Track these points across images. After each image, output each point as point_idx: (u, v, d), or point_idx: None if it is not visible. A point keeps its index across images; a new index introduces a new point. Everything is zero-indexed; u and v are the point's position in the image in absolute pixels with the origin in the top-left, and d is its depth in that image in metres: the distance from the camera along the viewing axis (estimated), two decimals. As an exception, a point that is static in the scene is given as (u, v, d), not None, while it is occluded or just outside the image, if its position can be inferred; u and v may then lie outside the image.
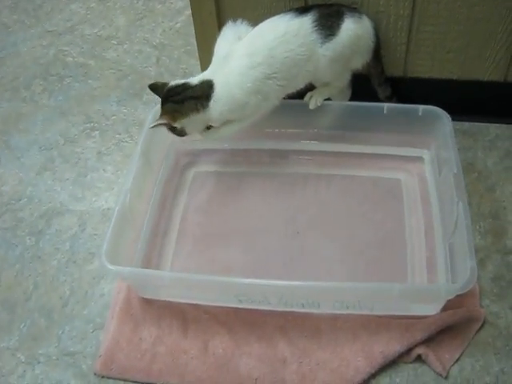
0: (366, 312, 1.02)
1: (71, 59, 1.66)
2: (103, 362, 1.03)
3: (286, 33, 1.10)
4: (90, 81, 1.59)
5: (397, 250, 1.09)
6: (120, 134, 1.41)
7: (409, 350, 1.00)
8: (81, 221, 1.23)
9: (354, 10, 1.17)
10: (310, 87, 1.21)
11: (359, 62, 1.21)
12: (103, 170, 1.34)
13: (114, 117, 1.47)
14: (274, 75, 1.11)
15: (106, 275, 1.12)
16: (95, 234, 1.22)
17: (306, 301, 1.01)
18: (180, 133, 1.15)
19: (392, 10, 1.21)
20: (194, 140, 1.22)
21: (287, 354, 1.01)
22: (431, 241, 1.11)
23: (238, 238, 1.14)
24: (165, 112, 1.12)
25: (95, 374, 1.03)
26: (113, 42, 1.70)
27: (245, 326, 1.04)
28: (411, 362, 1.01)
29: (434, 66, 1.31)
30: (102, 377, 1.03)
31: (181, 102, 1.11)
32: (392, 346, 1.00)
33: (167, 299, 1.07)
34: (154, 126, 1.11)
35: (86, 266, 1.17)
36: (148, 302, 1.08)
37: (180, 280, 1.01)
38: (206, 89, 1.11)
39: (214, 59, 1.16)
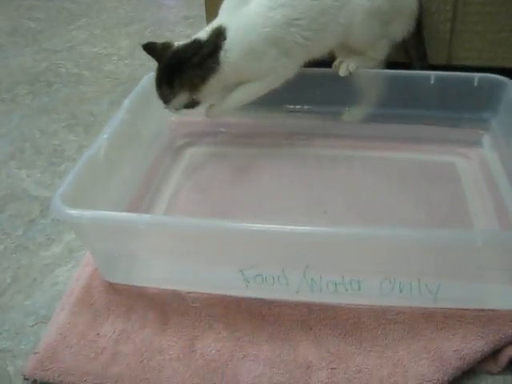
0: (427, 297, 0.76)
1: (64, 70, 1.56)
2: (39, 361, 0.75)
3: None
4: (81, 86, 1.48)
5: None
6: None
7: (496, 352, 0.71)
8: (43, 206, 1.06)
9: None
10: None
11: (399, 30, 1.09)
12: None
13: (102, 115, 1.33)
14: (298, 22, 0.98)
15: (60, 231, 0.95)
16: (59, 221, 0.99)
17: (340, 278, 0.76)
18: (192, 105, 1.01)
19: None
20: (194, 118, 1.11)
21: (312, 357, 0.73)
22: (505, 221, 0.89)
23: (246, 218, 0.93)
24: (185, 82, 0.97)
25: (25, 378, 0.73)
26: (113, 58, 1.63)
27: (250, 319, 0.78)
28: (501, 373, 0.70)
29: (483, 51, 1.16)
30: (34, 381, 0.71)
31: (198, 65, 0.97)
32: (471, 342, 0.70)
33: (143, 285, 0.85)
34: (173, 106, 0.98)
35: (40, 252, 0.97)
36: (116, 290, 0.85)
37: (163, 226, 0.77)
38: (217, 38, 0.98)
39: (225, 4, 1.02)
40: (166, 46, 0.99)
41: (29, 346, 0.78)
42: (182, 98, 0.97)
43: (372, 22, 1.03)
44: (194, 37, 0.99)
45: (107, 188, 0.90)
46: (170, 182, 1.05)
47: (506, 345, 0.71)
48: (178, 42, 0.99)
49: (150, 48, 1.00)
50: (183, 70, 0.96)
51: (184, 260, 0.82)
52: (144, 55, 1.40)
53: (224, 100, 1.03)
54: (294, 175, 1.05)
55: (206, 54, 0.97)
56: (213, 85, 0.98)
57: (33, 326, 0.81)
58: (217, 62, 0.96)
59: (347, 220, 0.93)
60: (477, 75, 1.03)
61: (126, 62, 1.59)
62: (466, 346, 0.71)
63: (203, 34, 0.99)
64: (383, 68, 1.12)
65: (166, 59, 0.97)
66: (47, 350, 0.76)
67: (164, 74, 0.97)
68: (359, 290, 0.76)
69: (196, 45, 0.97)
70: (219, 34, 0.97)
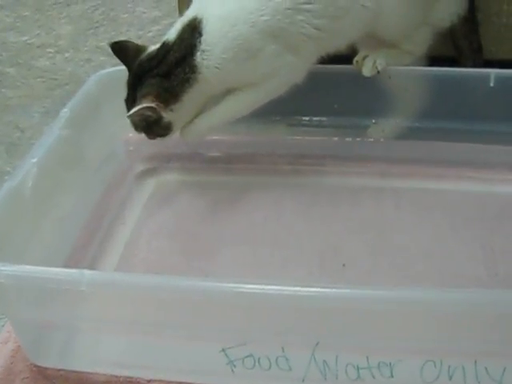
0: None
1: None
2: None
3: None
4: (3, 90, 1.54)
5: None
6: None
7: None
8: None
9: None
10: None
11: (445, 14, 1.12)
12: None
13: (32, 129, 1.39)
14: (308, 7, 1.00)
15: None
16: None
17: (364, 360, 0.76)
18: (164, 129, 1.04)
19: None
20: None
21: None
22: None
23: (231, 275, 0.97)
24: (149, 91, 1.01)
25: None
26: (49, 50, 1.66)
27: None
28: None
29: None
30: None
31: (165, 75, 1.01)
32: None
33: (85, 370, 0.85)
34: (133, 114, 1.00)
35: None
36: (47, 377, 0.85)
37: (114, 287, 0.78)
38: (190, 36, 1.01)
39: None
40: (141, 49, 1.05)
41: None
42: (145, 113, 1.00)
43: (409, 2, 1.06)
44: (163, 39, 1.04)
45: (37, 232, 0.91)
46: (127, 224, 1.07)
47: None
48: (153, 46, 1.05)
49: (121, 49, 1.06)
50: (144, 83, 1.01)
51: (144, 335, 0.83)
52: (92, 46, 1.43)
53: (206, 115, 1.06)
54: (299, 214, 1.07)
55: (174, 59, 1.01)
56: (190, 101, 1.02)
57: None
58: (191, 68, 1.00)
59: (374, 277, 0.95)
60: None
61: (66, 55, 1.62)
62: None
63: (172, 32, 1.03)
64: (424, 65, 1.14)
65: (135, 67, 1.03)
66: None
67: (130, 86, 1.02)
68: (391, 376, 0.77)
69: (164, 49, 1.02)
70: (192, 30, 1.01)
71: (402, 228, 1.03)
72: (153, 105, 0.99)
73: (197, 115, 1.06)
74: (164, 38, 1.04)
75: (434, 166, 1.12)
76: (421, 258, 0.97)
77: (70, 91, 1.47)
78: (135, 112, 0.98)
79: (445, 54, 1.16)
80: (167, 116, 1.01)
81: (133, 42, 1.08)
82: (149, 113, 0.99)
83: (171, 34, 1.03)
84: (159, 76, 1.00)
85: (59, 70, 1.56)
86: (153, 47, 1.04)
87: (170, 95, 1.00)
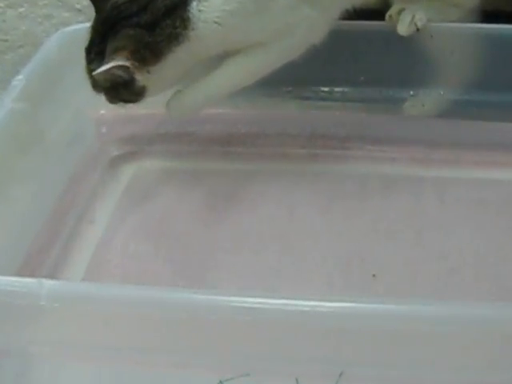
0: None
1: None
2: None
3: None
4: None
5: None
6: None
7: None
8: None
9: None
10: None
11: None
12: None
13: None
14: None
15: None
16: None
17: None
18: (133, 94, 1.04)
19: None
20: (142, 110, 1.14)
21: None
22: None
23: (231, 286, 1.00)
24: (125, 45, 1.00)
25: None
26: None
27: None
28: None
29: None
30: None
31: (149, 26, 1.01)
32: None
33: None
34: (101, 73, 0.99)
35: None
36: None
37: (82, 300, 0.78)
38: None
39: None
40: None
41: None
42: (116, 73, 1.00)
43: None
44: None
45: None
46: (97, 222, 1.09)
47: None
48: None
49: None
50: (118, 32, 1.01)
51: (118, 362, 0.82)
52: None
53: (200, 85, 1.07)
54: (317, 210, 1.08)
55: (163, 8, 1.00)
56: (175, 63, 1.02)
57: None
58: (183, 22, 1.00)
59: (411, 289, 0.96)
60: None
61: (20, 10, 1.62)
62: None
63: None
64: (475, 21, 1.15)
65: (107, 9, 1.02)
66: None
67: (97, 33, 1.02)
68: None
69: None
70: None
71: (447, 228, 1.03)
72: (127, 63, 0.98)
73: (178, 82, 1.06)
74: None
75: (486, 151, 1.13)
76: (471, 265, 0.98)
77: (25, 55, 1.48)
78: (105, 71, 0.98)
79: (502, 8, 1.17)
80: (142, 79, 1.01)
81: None
82: (120, 72, 0.99)
83: None
84: (139, 27, 1.00)
85: (11, 29, 1.56)
86: None
87: (150, 53, 1.00)
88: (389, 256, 1.00)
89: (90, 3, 1.06)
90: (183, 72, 1.05)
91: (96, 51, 1.01)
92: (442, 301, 0.77)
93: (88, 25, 1.06)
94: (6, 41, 1.52)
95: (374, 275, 0.97)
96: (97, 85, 1.02)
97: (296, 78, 1.13)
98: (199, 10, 0.99)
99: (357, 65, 1.13)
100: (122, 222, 1.07)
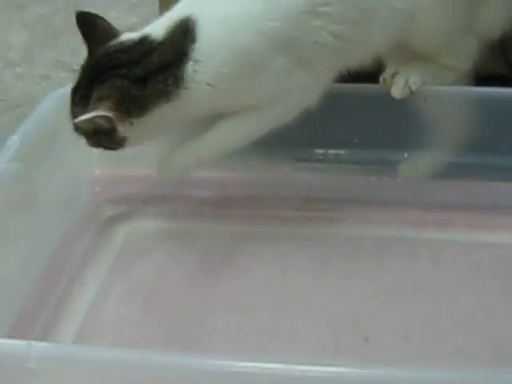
0: None
1: None
2: None
3: None
4: None
5: None
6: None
7: None
8: None
9: None
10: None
11: (495, 19, 1.14)
12: None
13: None
14: (326, 10, 1.03)
15: None
16: None
17: None
18: (113, 143, 1.03)
19: None
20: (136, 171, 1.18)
21: None
22: None
23: (225, 350, 0.97)
24: (110, 94, 1.00)
25: None
26: None
27: None
28: None
29: None
30: None
31: (140, 80, 1.01)
32: None
33: None
34: (82, 121, 0.99)
35: None
36: None
37: (72, 364, 0.77)
38: (181, 39, 1.02)
39: None
40: (112, 32, 1.04)
41: None
42: (97, 122, 0.99)
43: (450, 5, 1.08)
44: (144, 31, 1.04)
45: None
46: (89, 284, 1.08)
47: None
48: (129, 34, 1.04)
49: (87, 24, 1.04)
50: (106, 80, 1.00)
51: None
52: (50, 60, 1.43)
53: (192, 145, 1.07)
54: (310, 273, 1.08)
55: (157, 64, 1.00)
56: (160, 119, 1.02)
57: None
58: (176, 80, 1.00)
59: (405, 354, 0.95)
60: None
61: (17, 70, 1.64)
62: None
63: (158, 28, 1.03)
64: (468, 85, 1.15)
65: (99, 54, 1.02)
66: None
67: (85, 76, 1.02)
68: None
69: (144, 46, 1.02)
70: (185, 33, 1.01)
71: (441, 291, 1.03)
72: (109, 114, 0.98)
73: (159, 136, 1.06)
74: (144, 31, 1.03)
75: (480, 213, 1.13)
76: (464, 328, 0.98)
77: (22, 115, 1.43)
78: (86, 119, 0.97)
79: (494, 71, 1.17)
80: (123, 130, 1.00)
81: (105, 20, 1.06)
82: (102, 122, 0.98)
83: (157, 31, 1.02)
84: (127, 79, 1.00)
85: (9, 90, 1.58)
86: (128, 35, 1.03)
87: (136, 106, 1.00)
88: (382, 319, 0.99)
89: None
90: (166, 128, 1.05)
91: (81, 95, 1.01)
92: (434, 366, 0.76)
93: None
94: (4, 100, 1.52)
95: (366, 338, 0.97)
96: (79, 130, 1.01)
97: (290, 140, 1.12)
98: (194, 71, 1.00)
99: (351, 127, 1.13)
100: (114, 283, 1.07)
